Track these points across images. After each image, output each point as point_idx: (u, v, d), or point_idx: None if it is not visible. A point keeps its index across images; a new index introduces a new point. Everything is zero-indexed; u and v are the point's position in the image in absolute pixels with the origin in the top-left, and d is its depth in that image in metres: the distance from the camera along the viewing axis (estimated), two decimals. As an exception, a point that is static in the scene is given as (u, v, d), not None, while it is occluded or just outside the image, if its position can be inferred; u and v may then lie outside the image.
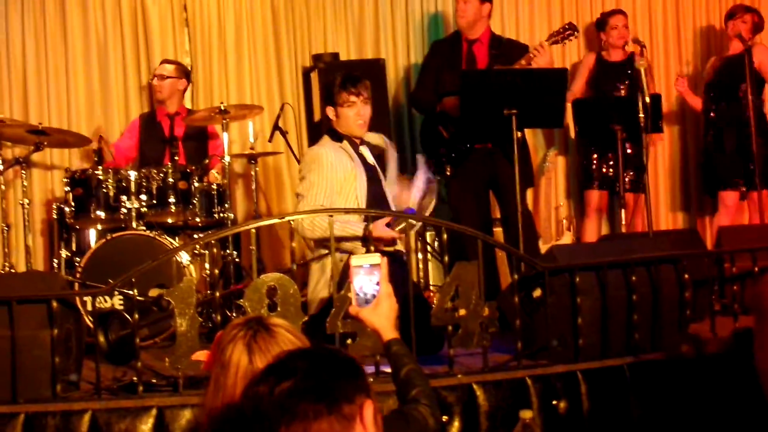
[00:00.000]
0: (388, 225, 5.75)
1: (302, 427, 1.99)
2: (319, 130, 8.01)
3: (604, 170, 8.14)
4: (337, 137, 6.02)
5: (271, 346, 2.51)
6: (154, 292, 6.18)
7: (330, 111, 6.02)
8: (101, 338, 5.62)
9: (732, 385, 4.89)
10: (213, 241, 6.42)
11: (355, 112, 5.95)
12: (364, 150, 6.10)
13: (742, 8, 8.49)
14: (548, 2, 9.03)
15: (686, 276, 5.60)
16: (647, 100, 6.81)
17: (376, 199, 5.96)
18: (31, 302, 4.81)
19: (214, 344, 2.65)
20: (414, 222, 5.93)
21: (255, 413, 2.06)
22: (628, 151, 7.80)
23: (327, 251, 5.49)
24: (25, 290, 4.89)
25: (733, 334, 5.55)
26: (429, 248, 7.90)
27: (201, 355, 2.86)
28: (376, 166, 6.12)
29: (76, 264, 6.61)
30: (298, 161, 7.90)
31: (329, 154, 5.92)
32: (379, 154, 6.23)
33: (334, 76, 6.15)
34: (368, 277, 3.03)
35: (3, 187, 7.08)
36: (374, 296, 3.03)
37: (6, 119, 7.04)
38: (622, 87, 8.24)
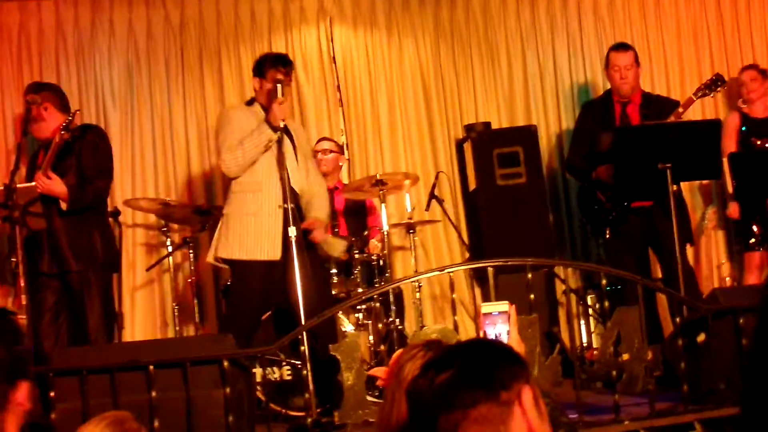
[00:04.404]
0: None
1: (461, 414, 2.05)
2: (474, 197, 8.13)
3: (763, 226, 7.93)
4: (251, 102, 6.50)
5: None
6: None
7: (256, 82, 6.45)
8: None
9: None
10: (375, 304, 6.46)
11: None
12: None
13: None
14: (697, 56, 9.00)
15: None
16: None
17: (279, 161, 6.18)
18: (204, 363, 4.97)
19: (392, 361, 2.73)
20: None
21: (416, 406, 2.14)
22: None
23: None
24: (198, 352, 5.06)
25: None
26: (591, 311, 7.87)
27: (379, 372, 2.94)
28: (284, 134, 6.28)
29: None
30: (456, 229, 8.02)
31: (236, 112, 6.45)
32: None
33: (266, 54, 6.69)
34: (496, 323, 3.09)
35: (172, 270, 7.37)
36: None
37: (173, 201, 7.35)
38: None
